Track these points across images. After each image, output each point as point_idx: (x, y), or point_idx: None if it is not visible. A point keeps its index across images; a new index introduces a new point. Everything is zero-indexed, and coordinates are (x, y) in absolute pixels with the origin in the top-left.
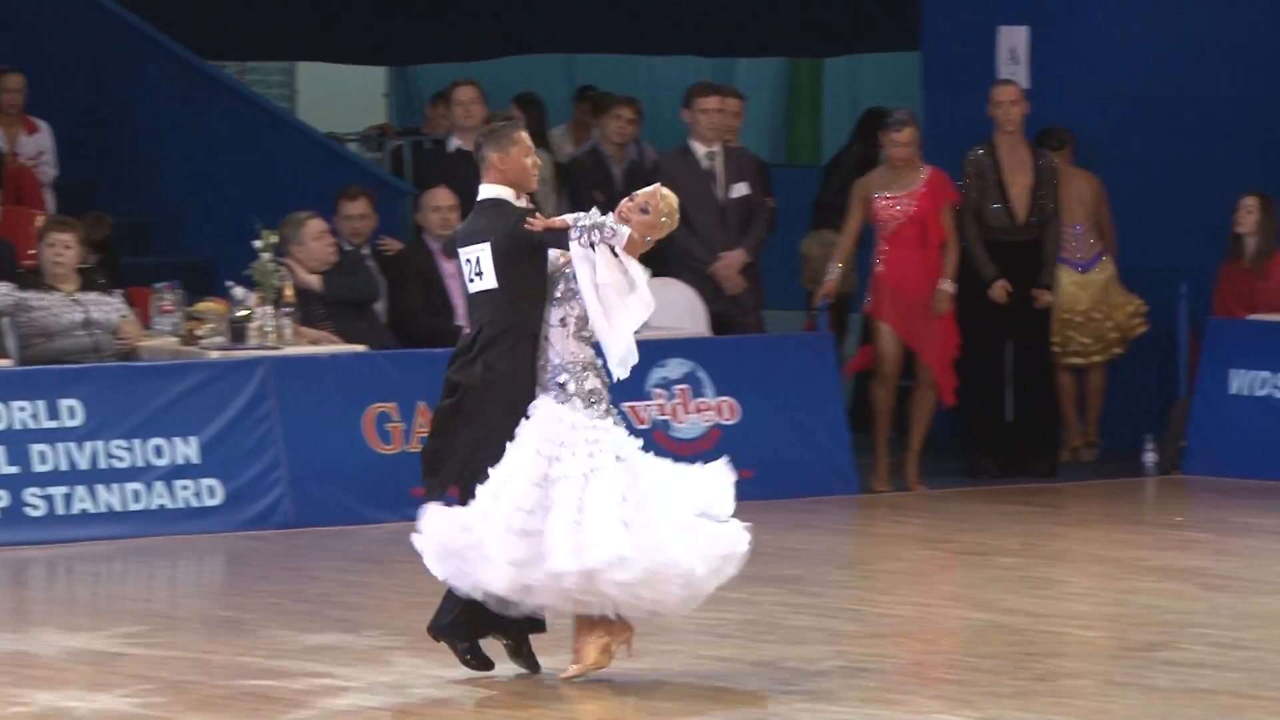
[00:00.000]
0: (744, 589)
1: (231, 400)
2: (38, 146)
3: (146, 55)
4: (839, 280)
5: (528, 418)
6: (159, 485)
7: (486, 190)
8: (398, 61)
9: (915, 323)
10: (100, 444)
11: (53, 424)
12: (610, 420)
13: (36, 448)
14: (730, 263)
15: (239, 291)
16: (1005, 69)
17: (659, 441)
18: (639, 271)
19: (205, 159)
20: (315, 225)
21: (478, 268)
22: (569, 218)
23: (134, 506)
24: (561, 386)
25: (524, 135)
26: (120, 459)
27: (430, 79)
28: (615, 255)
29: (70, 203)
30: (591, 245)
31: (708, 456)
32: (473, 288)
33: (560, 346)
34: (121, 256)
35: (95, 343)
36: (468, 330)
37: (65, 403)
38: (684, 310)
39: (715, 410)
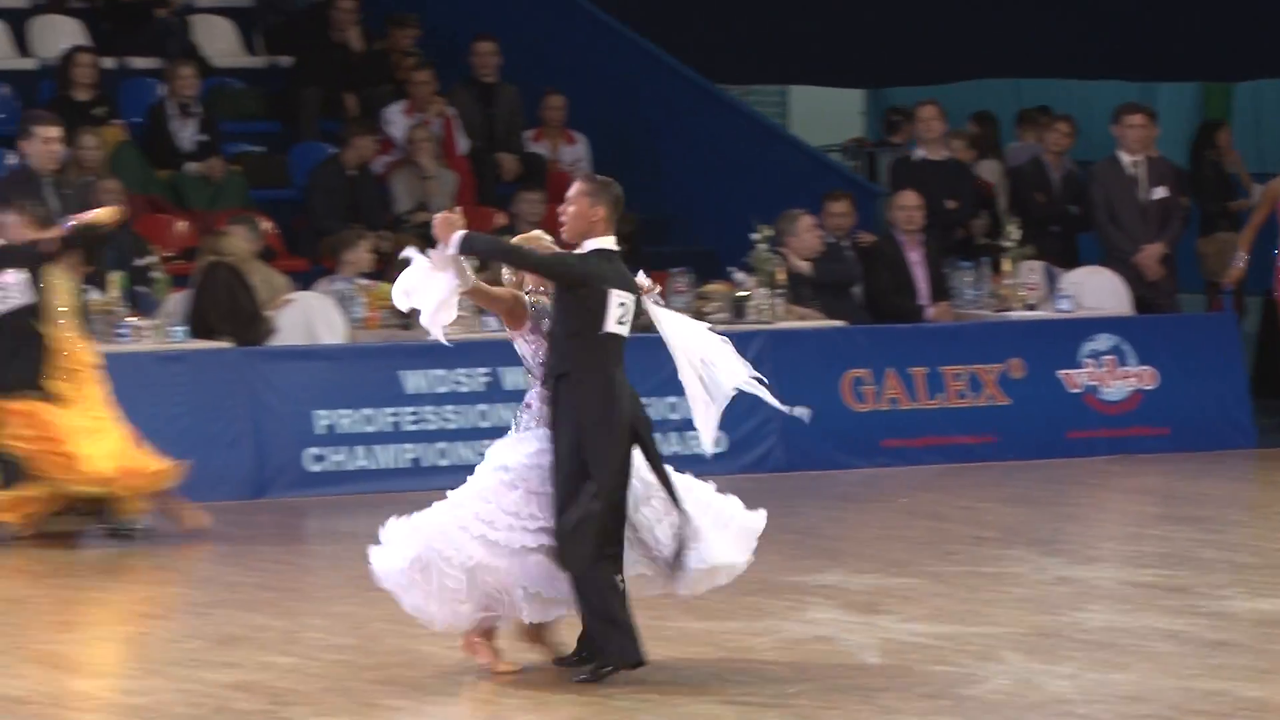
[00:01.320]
0: (1160, 526)
1: None
2: (575, 155)
3: (664, 79)
4: (1243, 269)
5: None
6: (673, 435)
7: (609, 243)
8: (874, 84)
9: None
10: None
11: None
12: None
13: None
14: (1150, 254)
15: (740, 276)
16: None
17: (1089, 404)
18: None
19: (712, 165)
20: (806, 221)
21: (627, 315)
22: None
23: None
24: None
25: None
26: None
27: (899, 98)
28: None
29: None
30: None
31: (1132, 417)
32: (620, 329)
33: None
34: (643, 247)
35: None
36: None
37: None
38: (1111, 294)
39: (1137, 377)
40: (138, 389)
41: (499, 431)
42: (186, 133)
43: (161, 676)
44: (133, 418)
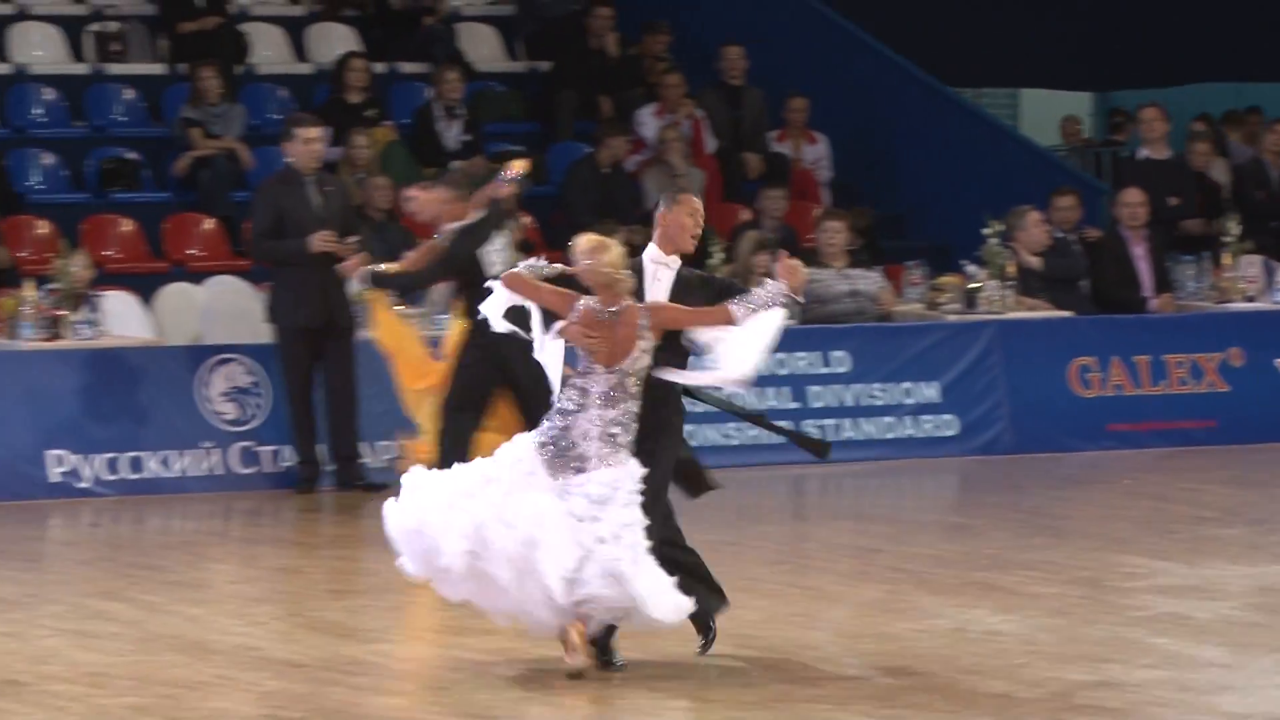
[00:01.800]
0: None
1: (965, 353)
2: (816, 154)
3: (901, 82)
4: None
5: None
6: (908, 419)
7: (652, 253)
8: (1099, 87)
9: None
10: (862, 386)
11: (825, 370)
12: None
13: (813, 389)
14: None
15: (972, 269)
16: None
17: None
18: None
19: (946, 164)
20: (1034, 216)
21: None
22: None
23: (888, 435)
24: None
25: (690, 197)
26: (877, 398)
27: (1124, 101)
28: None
29: (840, 198)
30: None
31: None
32: None
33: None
34: (880, 241)
35: (859, 307)
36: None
37: (835, 353)
38: None
39: None
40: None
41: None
42: (451, 133)
43: (427, 644)
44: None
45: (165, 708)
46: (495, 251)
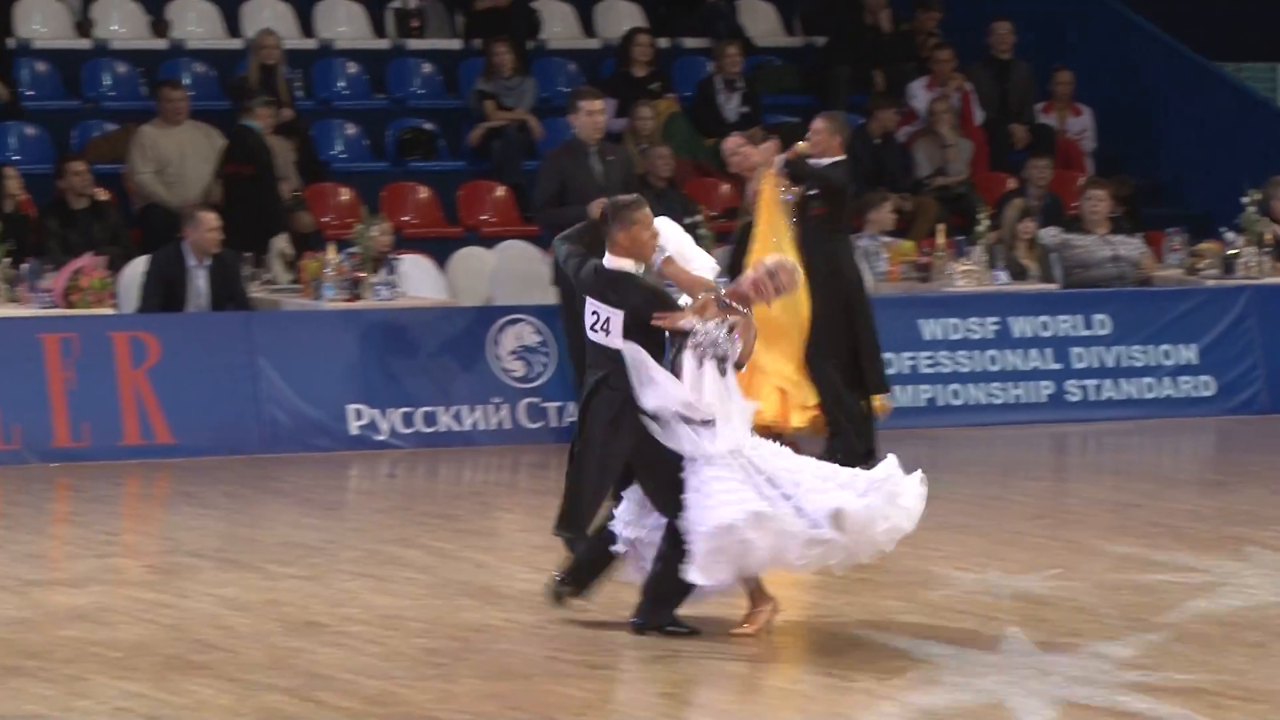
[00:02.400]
0: None
1: (1222, 317)
2: (1080, 126)
3: (1163, 56)
4: None
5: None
6: (1166, 380)
7: (611, 262)
8: None
9: None
10: (1123, 348)
11: (1087, 332)
12: None
13: (1075, 350)
14: None
15: (1230, 236)
16: None
17: None
18: (733, 400)
19: (1206, 135)
20: None
21: (606, 326)
22: (693, 324)
23: (1147, 395)
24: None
25: (646, 212)
26: (1137, 359)
27: None
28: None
29: (1103, 167)
30: (700, 361)
31: None
32: (595, 338)
33: None
34: (1141, 209)
35: (1120, 272)
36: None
37: (1097, 316)
38: None
39: None
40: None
41: (1007, 375)
42: (731, 105)
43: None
44: None
45: (455, 649)
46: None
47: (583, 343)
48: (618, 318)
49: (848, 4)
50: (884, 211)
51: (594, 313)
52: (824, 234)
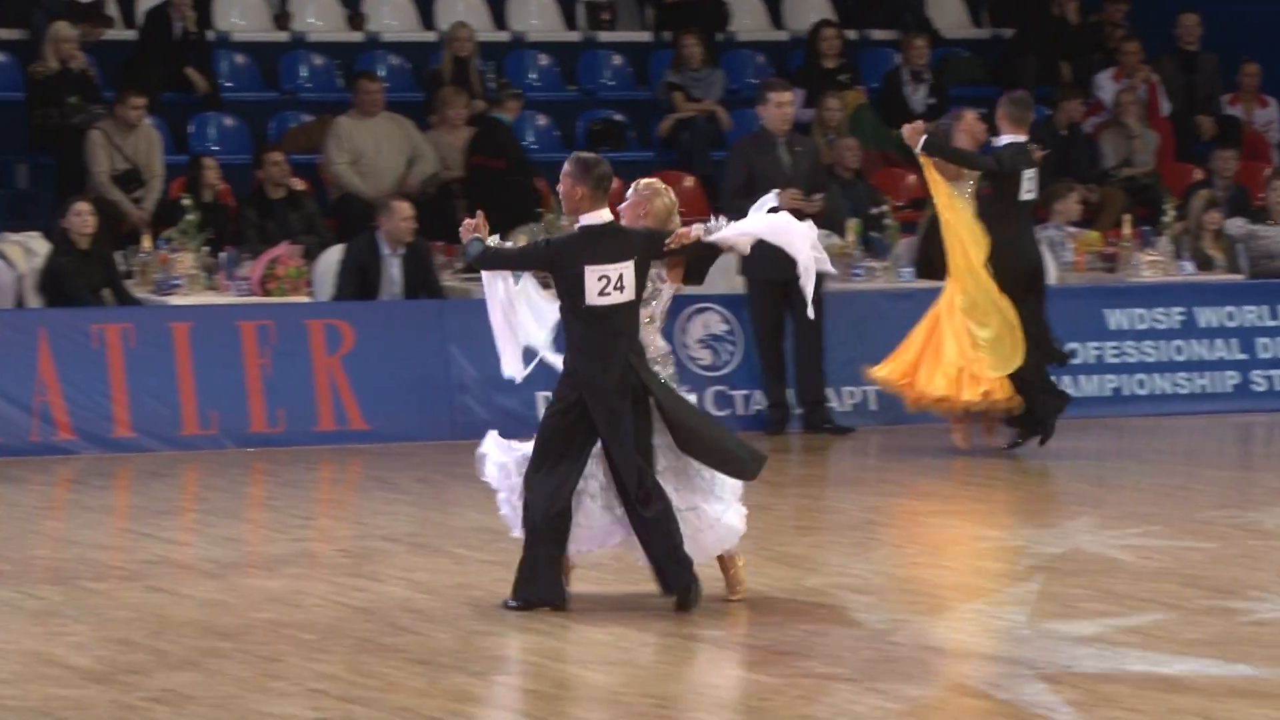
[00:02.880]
0: None
1: None
2: (1267, 117)
3: None
4: None
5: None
6: None
7: (596, 217)
8: None
9: None
10: None
11: (1273, 323)
12: None
13: (1260, 340)
14: None
15: None
16: None
17: None
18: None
19: None
20: None
21: (620, 283)
22: (701, 228)
23: None
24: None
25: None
26: None
27: None
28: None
29: None
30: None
31: None
32: (607, 300)
33: (648, 340)
34: None
35: None
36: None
37: None
38: None
39: None
40: (872, 322)
41: (1193, 365)
42: (918, 96)
43: (883, 576)
44: (866, 348)
45: (637, 634)
46: (1028, 179)
47: (771, 332)
48: (630, 269)
49: None
50: (1070, 202)
51: (603, 277)
52: (997, 212)
